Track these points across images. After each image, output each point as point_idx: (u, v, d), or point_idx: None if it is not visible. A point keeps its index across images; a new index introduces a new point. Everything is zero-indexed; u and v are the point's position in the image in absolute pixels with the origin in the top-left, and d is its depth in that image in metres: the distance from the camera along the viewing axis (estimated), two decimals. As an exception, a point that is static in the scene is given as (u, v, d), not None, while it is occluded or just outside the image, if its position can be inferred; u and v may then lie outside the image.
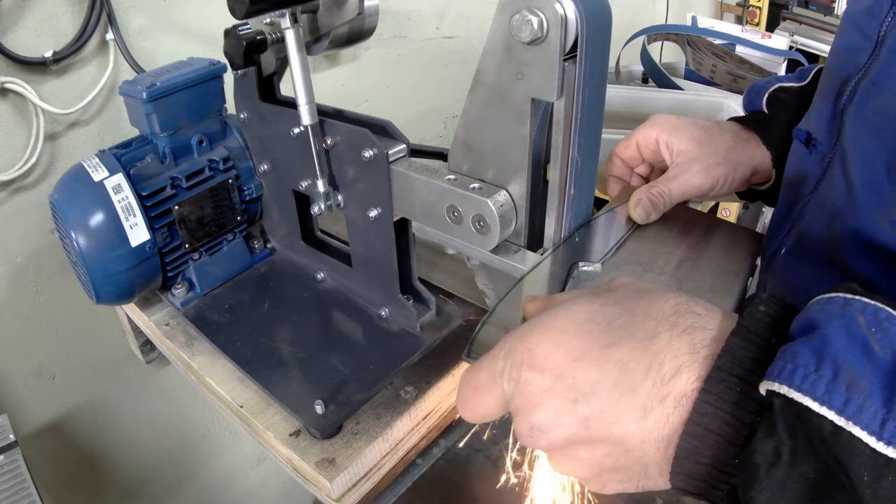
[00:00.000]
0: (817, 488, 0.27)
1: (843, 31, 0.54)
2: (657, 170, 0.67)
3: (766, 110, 0.69)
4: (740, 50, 1.89)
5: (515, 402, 0.34)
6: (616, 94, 1.40)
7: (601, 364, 0.32)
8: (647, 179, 0.68)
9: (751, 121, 0.67)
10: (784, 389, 0.27)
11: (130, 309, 0.88)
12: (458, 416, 0.76)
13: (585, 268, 0.54)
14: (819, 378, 0.27)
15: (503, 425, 0.75)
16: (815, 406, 0.27)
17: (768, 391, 0.28)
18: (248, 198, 0.84)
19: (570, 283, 0.53)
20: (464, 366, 0.73)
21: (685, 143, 0.62)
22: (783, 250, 0.61)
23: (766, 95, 0.69)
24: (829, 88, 0.54)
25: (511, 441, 0.67)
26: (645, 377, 0.31)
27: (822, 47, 2.13)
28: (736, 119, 0.68)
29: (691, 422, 0.30)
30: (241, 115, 0.78)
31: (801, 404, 0.27)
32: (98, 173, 0.72)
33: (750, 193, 0.70)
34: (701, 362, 0.31)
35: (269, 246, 0.89)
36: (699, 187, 0.60)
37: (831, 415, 0.26)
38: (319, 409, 0.63)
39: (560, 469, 0.35)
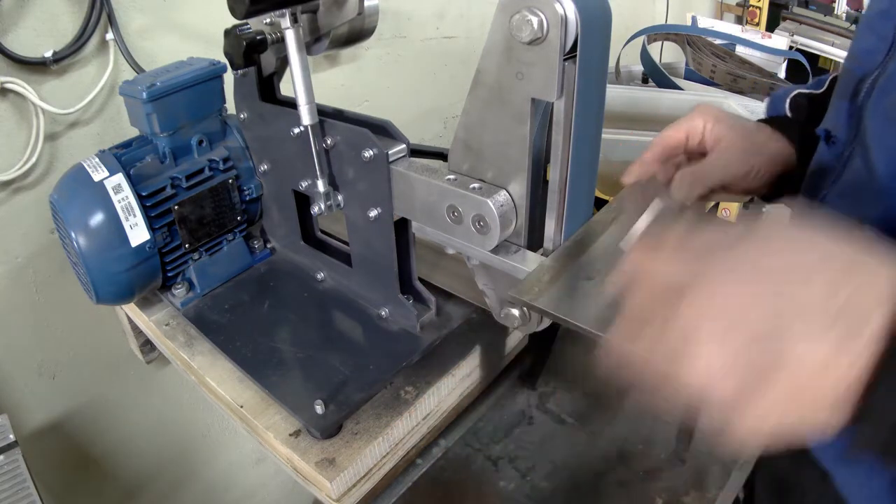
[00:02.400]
0: None
1: (860, 35, 0.56)
2: (692, 163, 0.69)
3: (789, 114, 0.71)
4: (740, 50, 1.89)
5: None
6: (616, 94, 1.40)
7: (803, 283, 0.30)
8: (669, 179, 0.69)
9: (775, 122, 0.69)
10: None
11: (130, 309, 0.88)
12: (457, 416, 0.76)
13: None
14: None
15: (502, 425, 0.75)
16: None
17: None
18: (248, 198, 0.84)
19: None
20: (462, 366, 0.73)
21: (726, 130, 0.64)
22: None
23: (788, 101, 0.72)
24: (845, 88, 0.56)
25: None
26: (840, 311, 0.29)
27: (822, 47, 2.13)
28: (761, 121, 0.71)
29: (885, 368, 0.28)
30: (241, 115, 0.78)
31: None
32: (98, 173, 0.72)
33: (775, 192, 0.71)
34: None
35: (269, 246, 0.89)
36: (735, 174, 0.62)
37: None
38: (319, 409, 0.63)
39: (726, 384, 0.32)
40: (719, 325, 0.32)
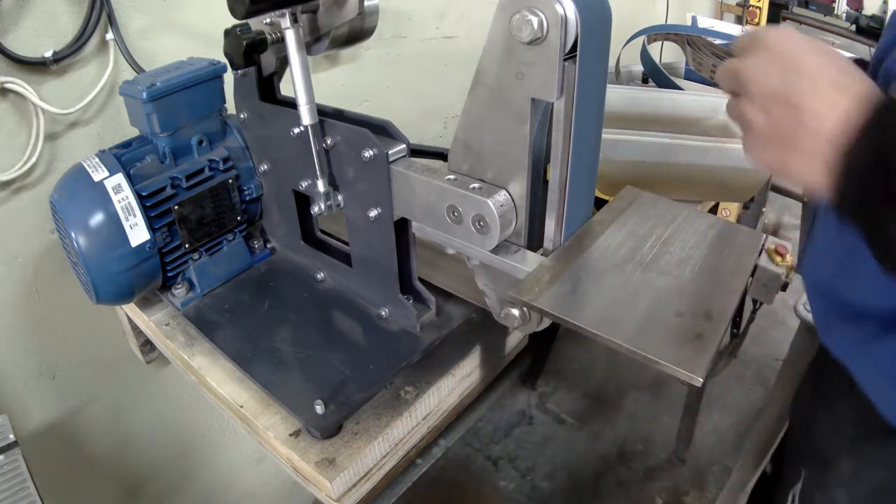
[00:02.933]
0: None
1: (883, 34, 0.60)
2: None
3: None
4: (740, 50, 1.89)
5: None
6: (616, 94, 1.40)
7: (816, 58, 0.41)
8: None
9: None
10: None
11: (130, 309, 0.88)
12: (457, 416, 0.76)
13: None
14: None
15: (502, 425, 0.75)
16: None
17: None
18: (248, 198, 0.84)
19: None
20: (462, 366, 0.73)
21: None
22: None
23: None
24: (870, 69, 0.60)
25: None
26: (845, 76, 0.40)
27: (822, 47, 2.13)
28: None
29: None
30: (241, 115, 0.78)
31: None
32: (98, 173, 0.72)
33: None
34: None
35: (269, 246, 0.89)
36: None
37: None
38: (319, 409, 0.63)
39: (748, 118, 0.43)
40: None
